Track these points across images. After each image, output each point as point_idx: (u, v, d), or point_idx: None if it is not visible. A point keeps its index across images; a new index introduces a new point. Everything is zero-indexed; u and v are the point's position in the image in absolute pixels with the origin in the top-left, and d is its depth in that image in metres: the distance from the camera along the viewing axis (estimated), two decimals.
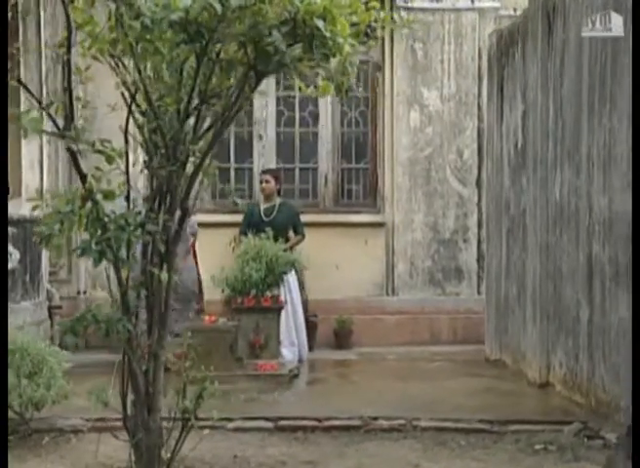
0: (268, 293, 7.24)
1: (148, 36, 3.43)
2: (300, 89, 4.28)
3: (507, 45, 7.93)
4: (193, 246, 8.26)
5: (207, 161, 4.04)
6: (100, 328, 3.97)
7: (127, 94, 3.91)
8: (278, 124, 9.38)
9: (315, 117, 9.41)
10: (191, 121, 3.97)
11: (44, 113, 3.74)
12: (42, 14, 8.71)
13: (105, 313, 4.00)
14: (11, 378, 4.93)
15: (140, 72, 3.75)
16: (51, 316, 8.61)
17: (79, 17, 3.76)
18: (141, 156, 4.40)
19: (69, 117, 3.68)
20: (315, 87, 3.99)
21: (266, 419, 5.55)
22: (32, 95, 3.98)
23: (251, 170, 9.37)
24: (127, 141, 3.96)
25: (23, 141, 8.71)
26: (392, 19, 3.59)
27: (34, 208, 3.92)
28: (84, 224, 3.81)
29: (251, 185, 9.34)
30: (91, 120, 4.67)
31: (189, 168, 4.07)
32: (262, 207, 8.47)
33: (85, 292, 8.99)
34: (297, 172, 9.44)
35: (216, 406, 6.04)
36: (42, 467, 4.75)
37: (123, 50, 3.64)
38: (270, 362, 7.03)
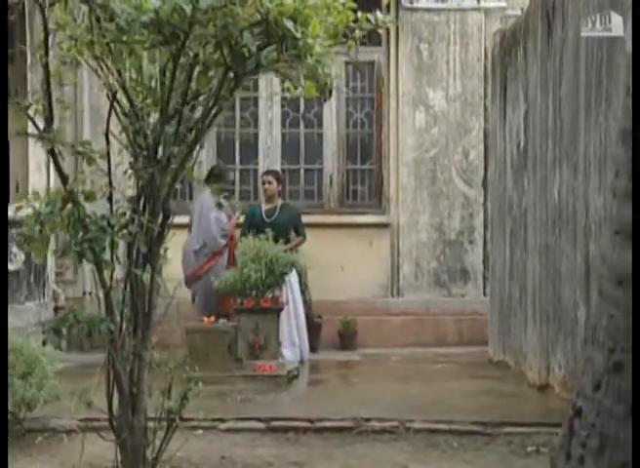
0: (269, 294, 7.23)
1: (124, 38, 3.44)
2: (288, 89, 4.29)
3: (510, 45, 7.89)
4: (230, 246, 8.23)
5: (189, 163, 4.04)
6: (83, 328, 3.99)
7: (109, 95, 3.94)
8: (283, 125, 9.39)
9: (320, 118, 9.40)
10: (173, 123, 3.98)
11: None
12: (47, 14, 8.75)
13: (87, 314, 4.02)
14: None
15: (120, 74, 3.77)
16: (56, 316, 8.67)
17: (63, 18, 3.80)
18: (126, 158, 4.41)
19: (49, 119, 3.70)
20: (293, 88, 3.98)
21: (259, 420, 5.56)
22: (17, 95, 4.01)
23: (256, 171, 9.38)
24: (108, 143, 3.98)
25: (30, 143, 8.78)
26: (368, 19, 3.56)
27: (18, 209, 3.96)
28: (65, 226, 3.83)
29: (255, 186, 9.36)
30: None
31: (172, 170, 4.07)
32: (264, 208, 8.48)
33: (90, 293, 9.03)
34: (302, 173, 9.45)
35: (211, 406, 6.08)
36: (32, 466, 4.78)
37: (102, 51, 3.66)
38: (269, 363, 7.03)
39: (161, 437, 4.41)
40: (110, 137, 4.12)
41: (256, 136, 9.39)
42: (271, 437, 5.36)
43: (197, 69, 3.64)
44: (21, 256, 8.08)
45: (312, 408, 6.04)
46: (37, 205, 3.82)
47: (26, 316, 7.93)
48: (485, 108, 9.18)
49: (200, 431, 5.38)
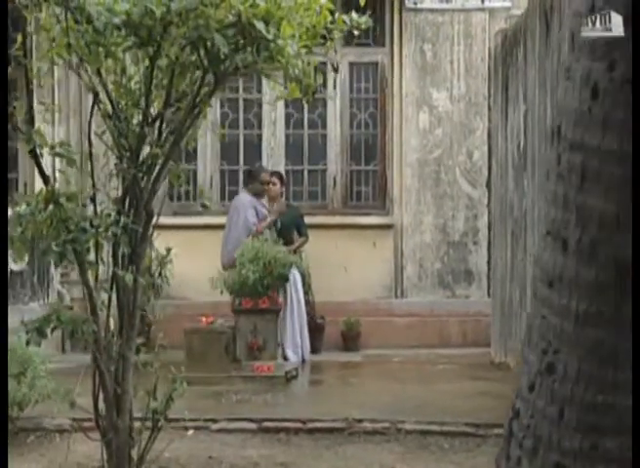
0: (269, 294, 7.24)
1: (101, 40, 3.46)
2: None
3: (512, 45, 7.86)
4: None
5: (170, 164, 4.05)
6: (66, 329, 4.02)
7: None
8: (287, 126, 9.40)
9: (324, 119, 9.40)
10: (156, 125, 4.00)
11: None
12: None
13: (70, 314, 4.05)
14: None
15: (100, 76, 3.79)
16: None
17: (46, 20, 3.83)
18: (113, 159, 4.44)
19: (29, 120, 3.73)
20: (280, 91, 3.99)
21: (250, 421, 5.57)
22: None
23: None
24: (90, 144, 4.00)
25: None
26: (344, 21, 3.56)
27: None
28: (47, 226, 3.86)
29: None
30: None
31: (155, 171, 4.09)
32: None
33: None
34: (305, 173, 9.45)
35: (206, 406, 6.12)
36: (22, 465, 4.82)
37: (82, 53, 3.68)
38: (267, 363, 7.04)
39: (154, 437, 4.44)
40: (97, 139, 4.16)
41: (259, 137, 9.41)
42: (262, 437, 5.38)
43: (172, 71, 3.64)
44: (25, 257, 8.12)
45: (306, 408, 6.04)
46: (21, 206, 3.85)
47: (30, 317, 7.96)
48: (489, 109, 9.14)
49: (191, 431, 5.41)
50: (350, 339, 9.02)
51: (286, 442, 5.30)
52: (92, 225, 3.94)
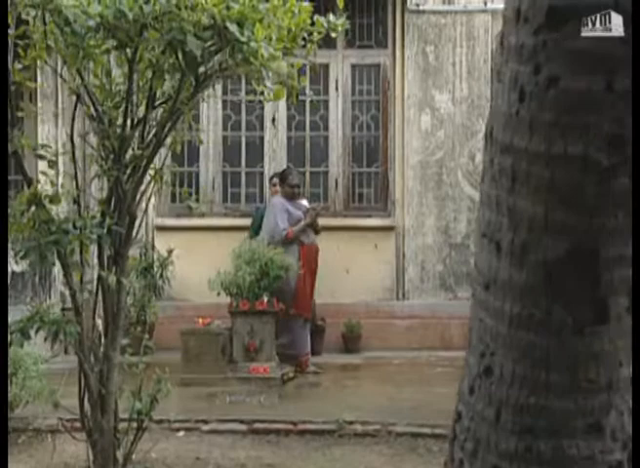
0: (265, 297, 7.24)
1: (80, 42, 3.48)
2: (262, 93, 4.31)
3: None
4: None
5: (154, 165, 4.07)
6: (49, 329, 4.04)
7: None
8: (289, 128, 9.41)
9: (326, 121, 9.40)
10: (138, 127, 4.02)
11: None
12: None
13: (55, 315, 4.08)
14: None
15: (82, 78, 3.81)
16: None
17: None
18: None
19: (11, 122, 3.75)
20: (261, 93, 4.00)
21: (241, 422, 5.58)
22: None
23: (262, 173, 9.41)
24: (73, 145, 4.03)
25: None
26: (324, 23, 3.56)
27: None
28: (30, 228, 3.88)
29: (262, 189, 9.38)
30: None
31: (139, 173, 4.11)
32: None
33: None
34: (307, 175, 9.44)
35: (199, 407, 6.13)
36: (10, 466, 4.83)
37: (64, 56, 3.70)
38: (263, 365, 7.03)
39: (143, 438, 4.46)
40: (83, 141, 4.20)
41: (261, 138, 9.41)
42: (252, 439, 5.38)
43: (152, 73, 3.66)
44: None
45: (300, 410, 6.04)
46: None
47: None
48: None
49: (182, 432, 5.43)
50: (351, 341, 9.01)
51: (276, 443, 5.30)
52: (75, 227, 3.96)
